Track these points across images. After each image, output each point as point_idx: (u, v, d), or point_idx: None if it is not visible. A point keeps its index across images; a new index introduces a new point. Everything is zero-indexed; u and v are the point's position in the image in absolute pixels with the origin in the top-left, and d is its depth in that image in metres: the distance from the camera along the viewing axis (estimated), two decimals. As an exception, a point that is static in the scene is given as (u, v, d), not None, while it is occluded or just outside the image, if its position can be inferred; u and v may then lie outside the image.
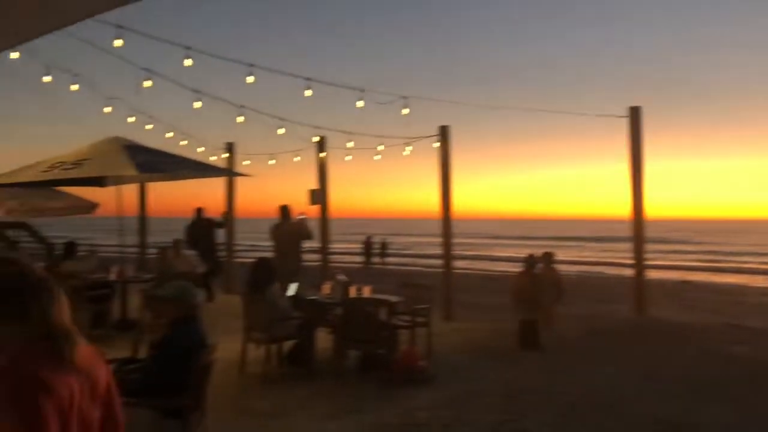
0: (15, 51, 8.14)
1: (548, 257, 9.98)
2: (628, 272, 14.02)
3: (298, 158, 13.50)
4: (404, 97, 10.52)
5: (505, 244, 58.99)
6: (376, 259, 32.45)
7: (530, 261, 9.53)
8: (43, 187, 10.36)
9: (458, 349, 8.76)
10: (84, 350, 1.86)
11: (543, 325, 9.12)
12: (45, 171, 7.87)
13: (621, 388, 6.81)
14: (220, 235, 13.34)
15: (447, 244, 11.59)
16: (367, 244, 32.72)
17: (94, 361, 1.91)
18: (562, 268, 13.33)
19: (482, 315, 11.70)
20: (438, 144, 11.37)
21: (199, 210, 12.94)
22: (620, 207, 12.92)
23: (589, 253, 47.12)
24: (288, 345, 7.52)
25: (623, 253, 25.59)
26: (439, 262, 12.47)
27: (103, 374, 1.95)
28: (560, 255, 14.01)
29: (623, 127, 11.42)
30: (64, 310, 1.86)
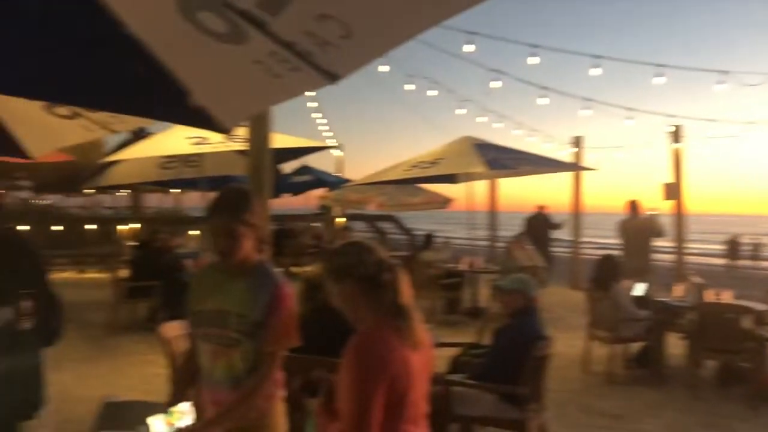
0: (384, 65, 9.33)
1: None
2: None
3: (649, 150, 12.72)
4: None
5: None
6: (744, 262, 28.68)
7: None
8: (406, 184, 11.69)
9: None
10: (423, 330, 2.07)
11: None
12: (407, 170, 8.90)
13: None
14: (558, 233, 13.77)
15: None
16: (733, 244, 29.08)
17: (428, 341, 2.13)
18: None
19: None
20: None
21: (540, 207, 13.57)
22: None
23: None
24: (635, 346, 7.16)
25: None
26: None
27: (433, 354, 2.17)
28: None
29: None
30: (408, 294, 2.08)
